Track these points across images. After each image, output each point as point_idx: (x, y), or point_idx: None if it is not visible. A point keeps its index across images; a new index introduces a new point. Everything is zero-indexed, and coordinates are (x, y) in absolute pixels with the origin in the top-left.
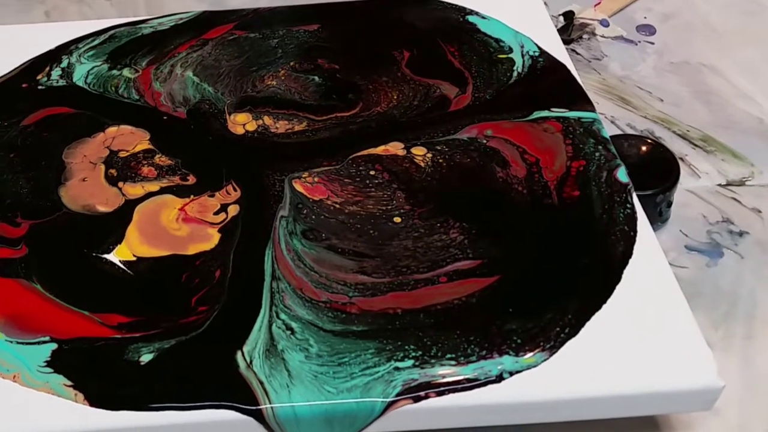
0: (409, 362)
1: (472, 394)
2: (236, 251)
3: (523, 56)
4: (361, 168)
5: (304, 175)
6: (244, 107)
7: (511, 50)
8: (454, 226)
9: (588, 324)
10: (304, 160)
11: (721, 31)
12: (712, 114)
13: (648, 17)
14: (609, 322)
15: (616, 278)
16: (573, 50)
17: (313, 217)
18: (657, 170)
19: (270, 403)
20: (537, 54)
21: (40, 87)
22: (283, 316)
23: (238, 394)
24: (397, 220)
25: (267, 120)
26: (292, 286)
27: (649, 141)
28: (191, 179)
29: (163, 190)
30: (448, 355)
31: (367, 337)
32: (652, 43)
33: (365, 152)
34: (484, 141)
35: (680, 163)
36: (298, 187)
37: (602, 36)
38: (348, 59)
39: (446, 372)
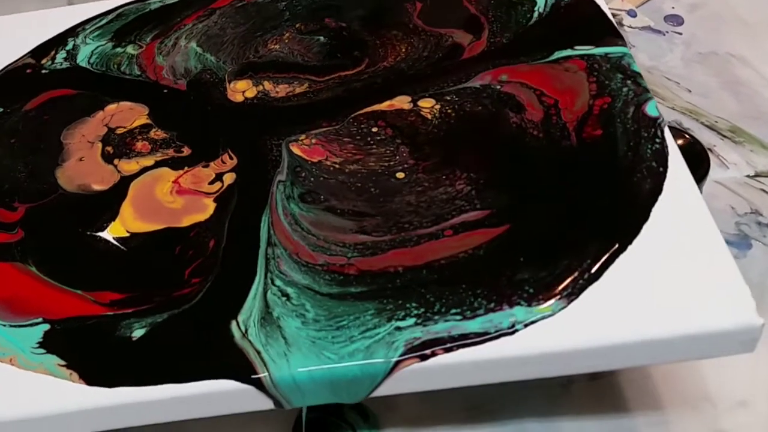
0: (411, 321)
1: (483, 348)
2: (231, 220)
3: None
4: (362, 126)
5: (301, 138)
6: (244, 74)
7: None
8: (461, 177)
9: (612, 267)
10: (303, 123)
11: (750, 21)
12: (740, 105)
13: (676, 7)
14: (636, 264)
15: (644, 217)
16: None
17: (312, 179)
18: (686, 162)
19: (268, 372)
20: None
21: (43, 71)
22: (278, 282)
23: (236, 364)
24: (400, 175)
25: (267, 85)
26: (288, 251)
27: (679, 132)
28: (186, 151)
29: (158, 164)
30: (453, 310)
31: (366, 298)
32: (680, 34)
33: (368, 109)
34: (498, 87)
35: (708, 154)
36: (296, 150)
37: (629, 26)
38: (357, 15)
39: (451, 327)
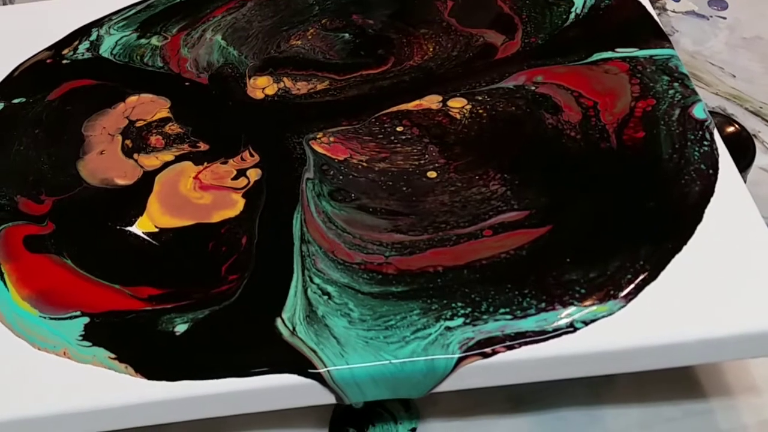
0: (459, 321)
1: (546, 346)
2: (262, 216)
3: None
4: (385, 125)
5: (318, 136)
6: (265, 70)
7: None
8: (495, 177)
9: (668, 268)
10: (326, 121)
11: None
12: None
13: None
14: (691, 265)
15: (697, 218)
16: None
17: (341, 177)
18: (731, 149)
19: (328, 369)
20: None
21: (64, 61)
22: (317, 280)
23: (293, 360)
24: (432, 174)
25: (287, 82)
26: (323, 248)
27: (726, 120)
28: (206, 147)
29: (177, 159)
30: (502, 310)
31: (408, 297)
32: (724, 18)
33: (394, 109)
34: (533, 88)
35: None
36: (318, 148)
37: (673, 11)
38: (386, 13)
39: (503, 326)
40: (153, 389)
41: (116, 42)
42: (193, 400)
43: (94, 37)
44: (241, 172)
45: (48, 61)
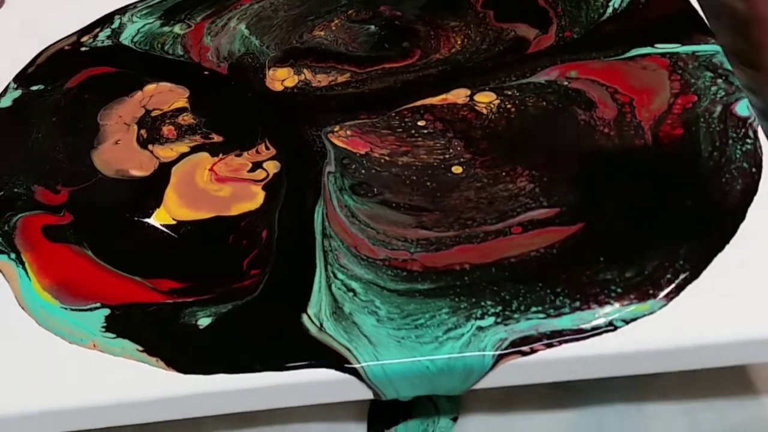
0: (490, 320)
1: (587, 344)
2: (282, 210)
3: None
4: (406, 119)
5: (336, 129)
6: (286, 61)
7: None
8: (523, 174)
9: (710, 266)
10: (344, 115)
11: None
12: None
13: None
14: (734, 263)
15: (740, 217)
16: None
17: (363, 171)
18: None
19: (363, 366)
20: None
21: (83, 49)
22: (340, 275)
23: (327, 356)
24: (457, 170)
25: (307, 74)
26: (346, 243)
27: None
28: (220, 138)
29: (193, 150)
30: (534, 308)
31: (435, 295)
32: None
33: (418, 103)
34: (566, 83)
35: None
36: (336, 141)
37: None
38: (415, 4)
39: (536, 325)
40: (185, 383)
41: (138, 30)
42: (231, 394)
43: (116, 24)
44: (257, 165)
45: (67, 48)
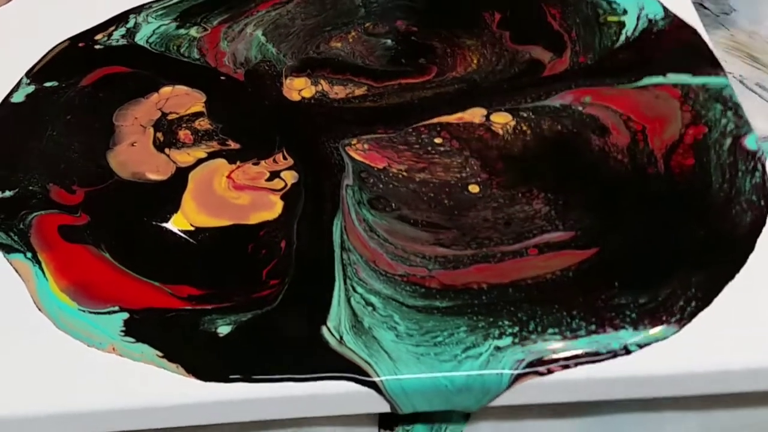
0: (508, 339)
1: (601, 367)
2: (300, 221)
3: (638, 19)
4: (423, 136)
5: (353, 142)
6: (303, 71)
7: (625, 12)
8: (539, 196)
9: (720, 295)
10: (362, 128)
11: None
12: None
13: None
14: (743, 293)
15: (749, 247)
16: (701, 4)
17: (381, 185)
18: None
19: (383, 380)
20: (659, 17)
21: (97, 47)
22: (359, 289)
23: (348, 368)
24: (474, 189)
25: (324, 85)
26: (365, 257)
27: None
28: (236, 145)
29: (211, 156)
30: (551, 330)
31: (453, 313)
32: None
33: (435, 120)
34: (580, 108)
35: None
36: (354, 154)
37: None
38: (431, 21)
39: (557, 347)
40: (209, 390)
41: (153, 30)
42: (250, 402)
43: (131, 24)
44: (275, 174)
45: (80, 44)
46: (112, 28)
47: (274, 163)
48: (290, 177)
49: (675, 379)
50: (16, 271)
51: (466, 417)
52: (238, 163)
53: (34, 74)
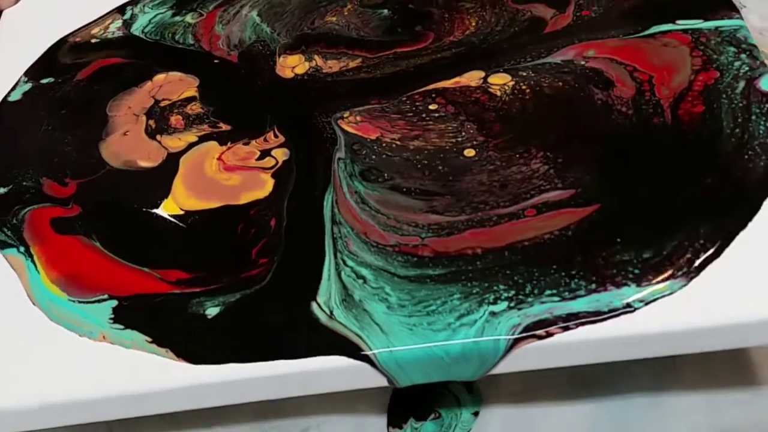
0: (503, 304)
1: (604, 326)
2: (291, 198)
3: None
4: (417, 103)
5: (346, 115)
6: (297, 48)
7: None
8: (537, 156)
9: (731, 246)
10: (355, 101)
11: None
12: None
13: None
14: (757, 241)
15: (763, 194)
16: None
17: (373, 156)
18: None
19: (376, 352)
20: None
21: (94, 41)
22: (350, 263)
23: (339, 344)
24: (470, 153)
25: (318, 60)
26: (356, 230)
27: None
28: (228, 127)
29: (202, 140)
30: (548, 292)
31: (447, 281)
32: None
33: (430, 87)
34: (583, 62)
35: None
36: (347, 127)
37: None
38: None
39: (551, 308)
40: (196, 374)
41: (149, 20)
42: (241, 383)
43: (128, 15)
44: (266, 153)
45: (78, 40)
46: (109, 21)
47: (264, 141)
48: (281, 155)
49: (684, 335)
50: (10, 265)
51: (476, 412)
52: (228, 144)
53: (32, 72)
